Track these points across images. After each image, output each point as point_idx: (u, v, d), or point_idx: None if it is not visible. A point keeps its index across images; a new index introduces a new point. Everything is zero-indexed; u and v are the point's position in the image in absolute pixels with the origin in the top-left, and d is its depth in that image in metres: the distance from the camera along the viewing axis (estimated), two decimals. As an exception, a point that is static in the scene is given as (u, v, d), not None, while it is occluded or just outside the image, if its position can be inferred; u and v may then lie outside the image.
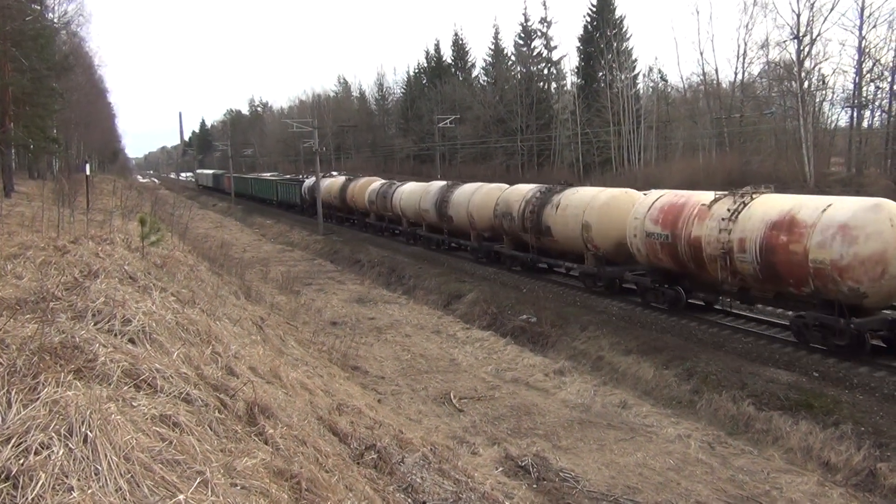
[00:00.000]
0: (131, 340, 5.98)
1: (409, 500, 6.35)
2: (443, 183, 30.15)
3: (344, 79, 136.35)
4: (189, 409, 4.95)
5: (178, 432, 4.41)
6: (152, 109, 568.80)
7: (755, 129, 45.29)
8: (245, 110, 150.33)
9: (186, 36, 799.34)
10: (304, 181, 53.98)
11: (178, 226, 27.05)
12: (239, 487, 4.12)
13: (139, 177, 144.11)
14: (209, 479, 3.92)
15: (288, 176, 79.34)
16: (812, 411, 11.41)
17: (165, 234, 17.74)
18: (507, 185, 26.23)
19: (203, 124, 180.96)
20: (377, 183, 37.91)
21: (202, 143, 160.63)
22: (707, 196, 16.06)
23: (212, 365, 6.42)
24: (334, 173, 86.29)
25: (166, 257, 14.12)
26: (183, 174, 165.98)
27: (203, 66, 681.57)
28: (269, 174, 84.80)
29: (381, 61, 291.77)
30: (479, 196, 26.03)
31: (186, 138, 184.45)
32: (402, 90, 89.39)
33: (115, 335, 5.98)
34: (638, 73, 58.01)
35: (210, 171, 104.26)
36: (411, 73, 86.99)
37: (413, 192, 31.85)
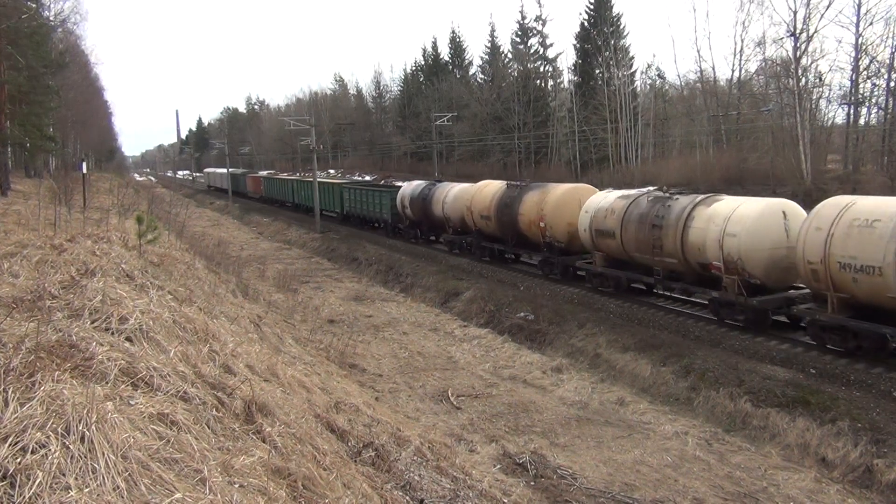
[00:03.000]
0: (128, 339, 5.96)
1: (407, 497, 6.34)
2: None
3: (341, 77, 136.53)
4: (186, 407, 4.94)
5: (176, 431, 4.40)
6: (149, 108, 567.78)
7: (752, 126, 45.28)
8: (242, 108, 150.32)
9: (183, 34, 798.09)
10: (397, 187, 37.03)
11: (175, 224, 27.03)
12: (237, 486, 4.11)
13: (136, 175, 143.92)
14: (207, 477, 3.92)
15: (360, 177, 66.86)
16: (809, 408, 11.44)
17: (162, 233, 17.70)
18: None
19: (200, 122, 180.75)
20: (611, 196, 19.49)
21: (199, 142, 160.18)
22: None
23: (209, 363, 6.41)
24: (331, 171, 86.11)
25: (163, 255, 14.08)
26: (180, 172, 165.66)
27: (200, 64, 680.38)
28: (337, 177, 68.07)
29: (379, 59, 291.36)
30: None
31: (183, 136, 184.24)
32: (400, 88, 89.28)
33: (112, 334, 5.97)
34: (635, 71, 58.02)
35: (226, 171, 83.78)
36: (408, 71, 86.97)
37: (759, 223, 14.94)
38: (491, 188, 25.82)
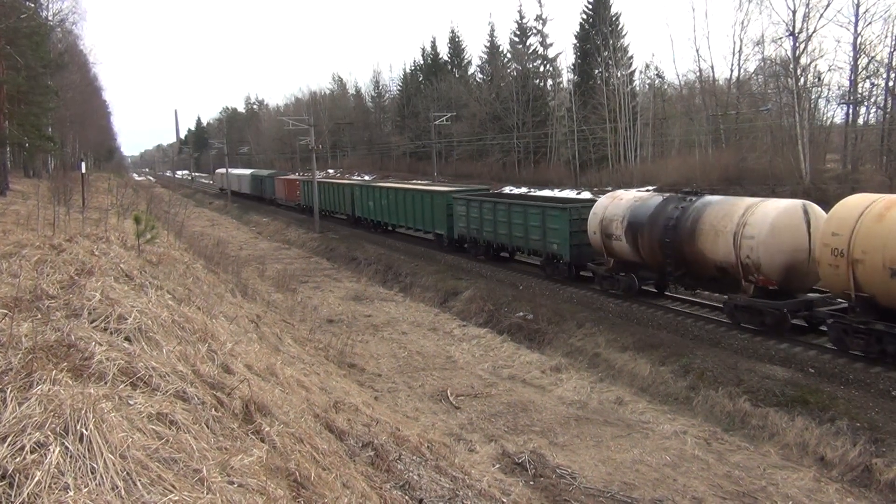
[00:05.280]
0: (127, 338, 5.96)
1: (407, 497, 6.34)
2: None
3: (339, 76, 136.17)
4: (185, 407, 4.94)
5: (175, 430, 4.39)
6: (148, 107, 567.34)
7: (751, 125, 45.28)
8: (241, 108, 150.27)
9: (182, 34, 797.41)
10: (584, 201, 23.90)
11: (174, 224, 26.99)
12: (236, 485, 4.11)
13: (135, 175, 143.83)
14: (206, 477, 3.92)
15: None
16: (808, 407, 11.45)
17: (161, 233, 17.69)
18: None
19: (199, 122, 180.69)
20: None
21: (198, 141, 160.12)
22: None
23: (208, 363, 6.40)
24: (331, 171, 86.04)
25: (162, 255, 14.07)
26: (179, 172, 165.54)
27: (199, 63, 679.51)
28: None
29: (378, 59, 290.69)
30: None
31: (182, 136, 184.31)
32: (399, 87, 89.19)
33: (111, 333, 5.96)
34: (634, 71, 57.95)
35: (247, 172, 69.80)
36: (407, 71, 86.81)
37: None
38: (879, 204, 12.16)
